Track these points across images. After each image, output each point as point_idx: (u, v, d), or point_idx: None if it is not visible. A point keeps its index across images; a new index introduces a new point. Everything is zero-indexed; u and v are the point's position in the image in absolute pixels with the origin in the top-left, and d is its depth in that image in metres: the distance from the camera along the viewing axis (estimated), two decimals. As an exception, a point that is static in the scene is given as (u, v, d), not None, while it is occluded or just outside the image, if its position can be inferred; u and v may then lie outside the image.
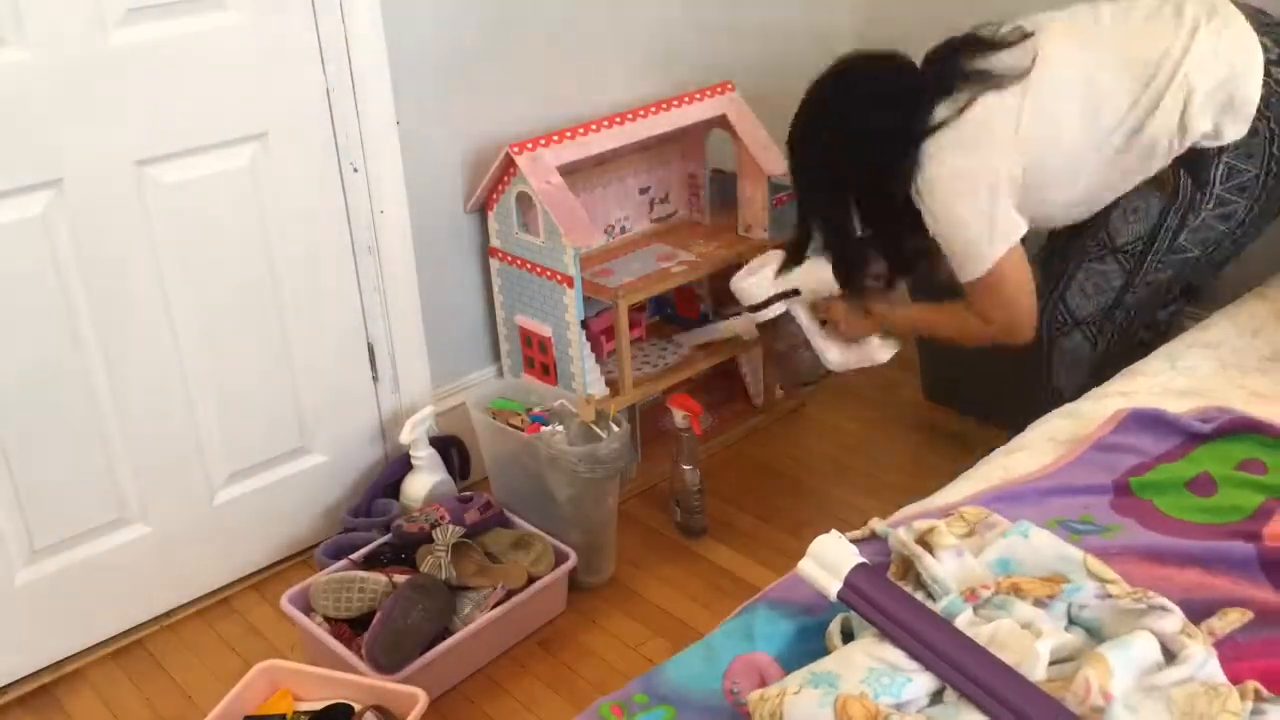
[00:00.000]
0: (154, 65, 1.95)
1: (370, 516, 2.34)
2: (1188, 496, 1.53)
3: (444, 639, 1.98)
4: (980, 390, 2.70)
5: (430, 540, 2.11)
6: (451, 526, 2.12)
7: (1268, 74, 1.88)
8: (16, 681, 2.08)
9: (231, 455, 2.25)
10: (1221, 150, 1.90)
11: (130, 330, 2.05)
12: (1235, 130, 1.89)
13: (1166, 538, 1.44)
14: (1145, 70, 1.88)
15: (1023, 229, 1.96)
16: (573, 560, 2.17)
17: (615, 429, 2.20)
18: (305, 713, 1.83)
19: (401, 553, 2.15)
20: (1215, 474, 1.55)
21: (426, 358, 2.47)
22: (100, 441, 2.07)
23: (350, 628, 2.01)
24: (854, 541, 1.46)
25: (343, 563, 2.15)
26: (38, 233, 1.91)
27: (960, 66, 1.96)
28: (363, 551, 2.18)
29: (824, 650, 1.29)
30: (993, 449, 1.77)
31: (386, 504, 2.36)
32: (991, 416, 2.61)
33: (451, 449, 2.49)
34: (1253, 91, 1.87)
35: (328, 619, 2.03)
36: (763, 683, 1.25)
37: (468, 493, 2.31)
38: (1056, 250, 2.11)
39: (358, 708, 1.82)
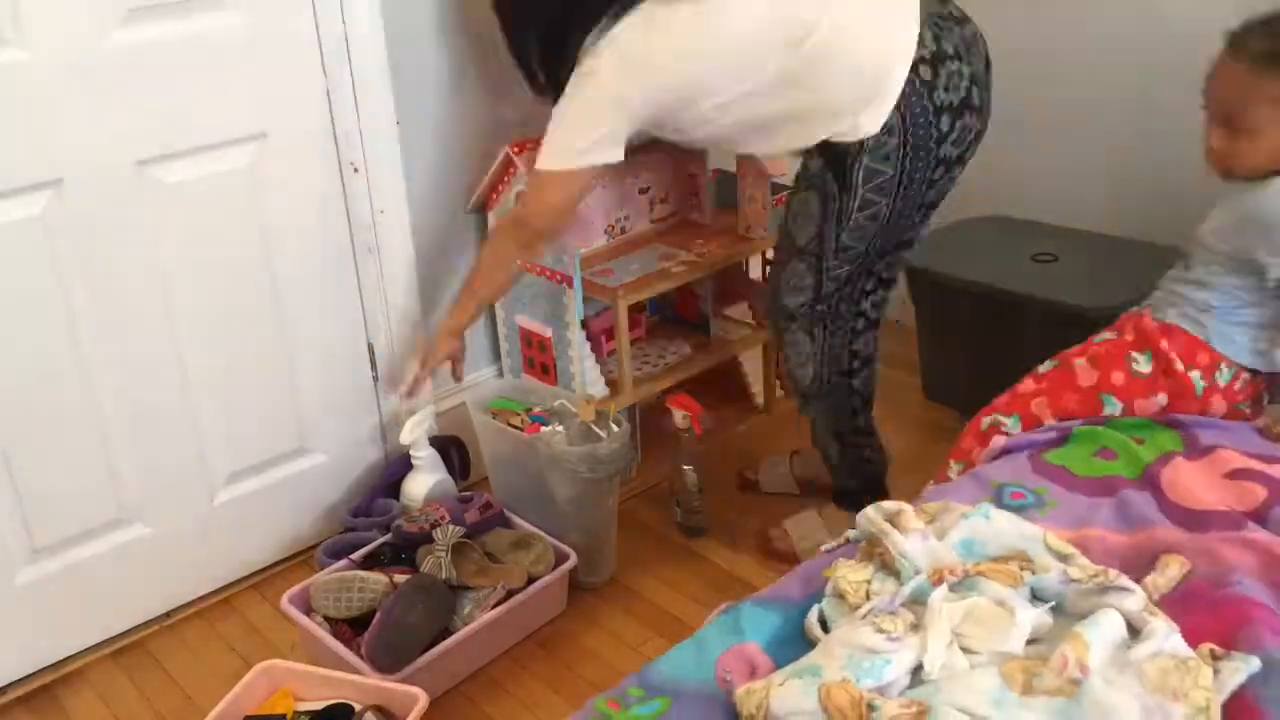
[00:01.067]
0: (154, 65, 1.95)
1: (370, 516, 2.34)
2: (1095, 461, 1.66)
3: (444, 639, 1.98)
4: (980, 389, 2.70)
5: (430, 540, 2.11)
6: (451, 526, 2.12)
7: (914, 70, 1.85)
8: (16, 681, 2.08)
9: (232, 455, 2.25)
10: (861, 150, 1.88)
11: (130, 330, 2.05)
12: (871, 123, 1.86)
13: (1089, 500, 1.56)
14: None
15: (603, 161, 1.93)
16: (573, 560, 2.17)
17: (615, 429, 2.20)
18: (305, 713, 1.83)
19: (402, 553, 2.16)
20: (1113, 444, 1.69)
21: (426, 357, 2.47)
22: (100, 441, 2.07)
23: (350, 628, 2.01)
24: (830, 551, 1.49)
25: (343, 563, 2.15)
26: (38, 233, 1.91)
27: None
28: (363, 551, 2.18)
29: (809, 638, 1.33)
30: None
31: (387, 504, 2.36)
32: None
33: (451, 449, 2.49)
34: (895, 83, 1.84)
35: (328, 619, 2.03)
36: (753, 672, 1.26)
37: (468, 493, 2.31)
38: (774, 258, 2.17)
39: (358, 708, 1.82)
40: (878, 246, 2.03)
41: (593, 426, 2.23)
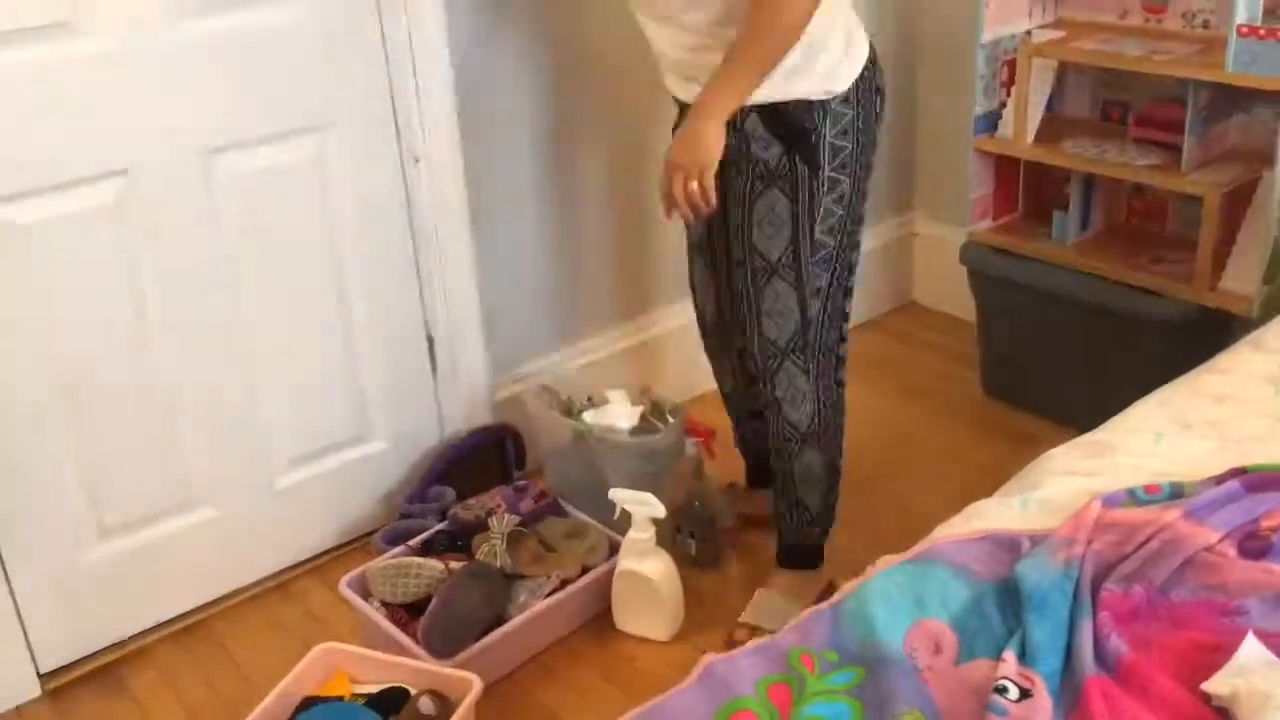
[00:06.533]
0: (223, 55, 1.99)
1: (425, 503, 2.36)
2: None
3: (499, 626, 1.99)
4: (1045, 384, 2.63)
5: (486, 528, 2.13)
6: (507, 515, 2.14)
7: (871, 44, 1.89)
8: (83, 659, 2.13)
9: (294, 441, 2.28)
10: (824, 120, 1.82)
11: (198, 316, 2.08)
12: (840, 81, 1.83)
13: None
14: None
15: None
16: (627, 551, 2.17)
17: (671, 420, 2.20)
18: (362, 695, 1.86)
19: (458, 540, 2.18)
20: None
21: (484, 347, 2.49)
22: (168, 425, 2.11)
23: (407, 613, 2.04)
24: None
25: (400, 549, 2.17)
26: (108, 220, 1.95)
27: None
28: (420, 538, 2.20)
29: (998, 619, 1.29)
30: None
31: (441, 491, 2.38)
32: (1058, 414, 2.56)
33: (506, 439, 2.50)
34: (862, 50, 1.87)
35: (385, 604, 2.06)
36: (938, 649, 1.25)
37: (522, 482, 2.32)
38: (734, 295, 2.01)
39: (413, 691, 1.83)
40: (844, 245, 1.92)
41: (649, 417, 2.23)
